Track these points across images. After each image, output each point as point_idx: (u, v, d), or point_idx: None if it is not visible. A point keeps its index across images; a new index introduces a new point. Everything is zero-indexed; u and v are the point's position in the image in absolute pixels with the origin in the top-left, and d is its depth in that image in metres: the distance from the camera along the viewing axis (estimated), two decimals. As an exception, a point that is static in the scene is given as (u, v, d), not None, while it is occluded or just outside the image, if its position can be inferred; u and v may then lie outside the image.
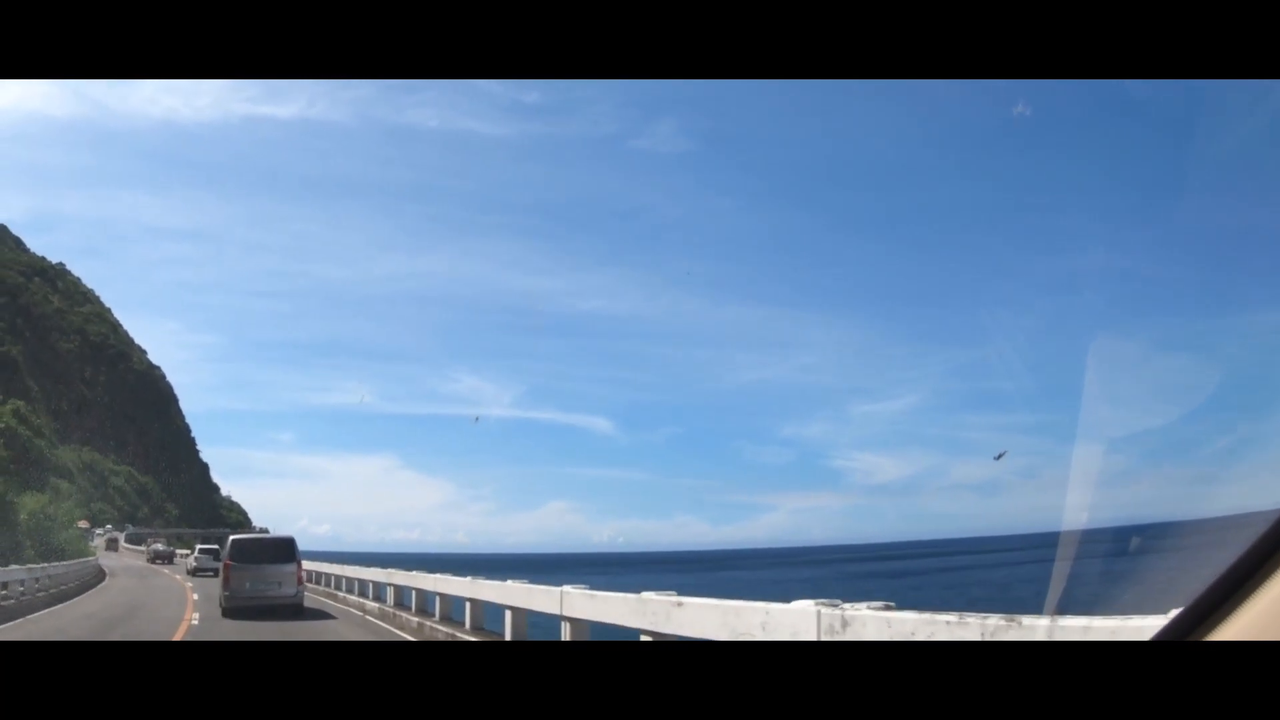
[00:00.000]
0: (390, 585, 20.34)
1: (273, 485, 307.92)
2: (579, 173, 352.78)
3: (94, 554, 42.50)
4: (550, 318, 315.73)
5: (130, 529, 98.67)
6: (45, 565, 26.02)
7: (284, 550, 19.86)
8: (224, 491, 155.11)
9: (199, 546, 43.11)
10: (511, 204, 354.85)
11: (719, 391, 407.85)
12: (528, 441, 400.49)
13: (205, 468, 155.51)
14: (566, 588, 10.19)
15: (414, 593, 18.39)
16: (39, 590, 23.37)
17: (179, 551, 58.40)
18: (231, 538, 20.83)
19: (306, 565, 31.03)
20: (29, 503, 36.20)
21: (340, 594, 25.64)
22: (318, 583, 29.97)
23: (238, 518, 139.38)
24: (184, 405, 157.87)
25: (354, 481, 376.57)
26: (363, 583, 23.99)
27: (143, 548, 67.36)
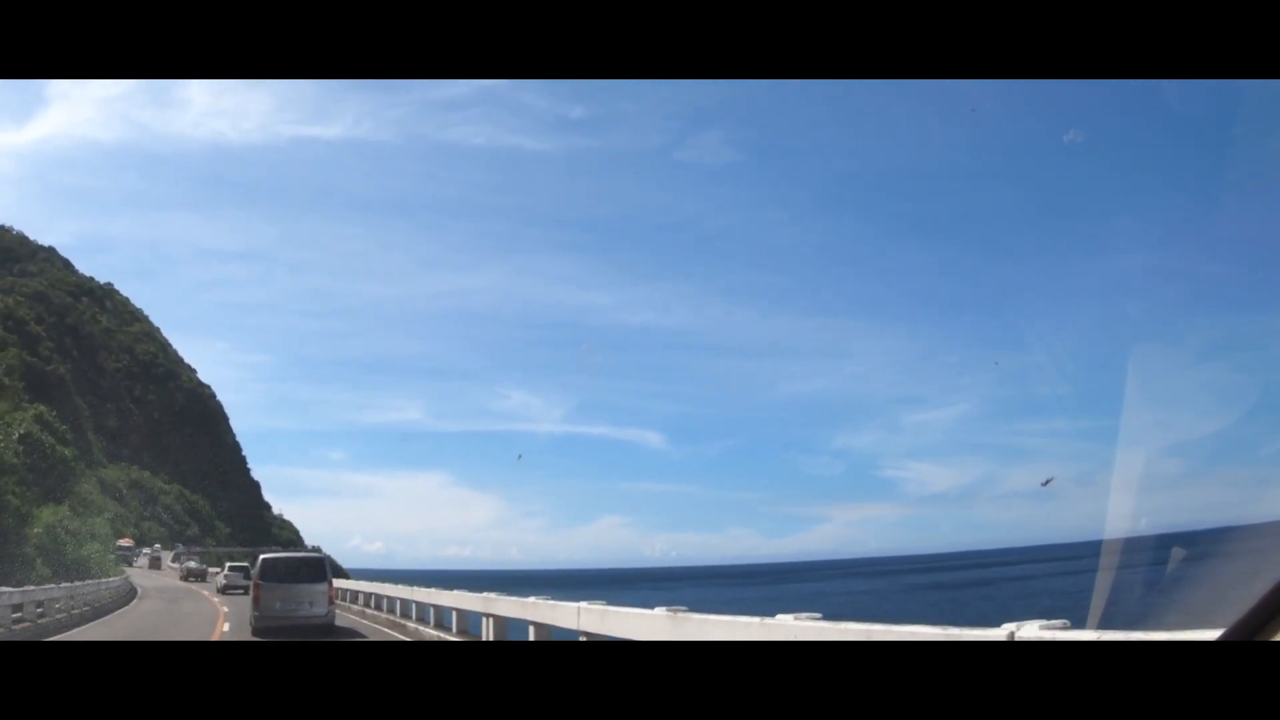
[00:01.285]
0: (489, 616, 14.27)
1: (325, 503, 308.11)
2: (625, 186, 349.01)
3: (119, 573, 37.26)
4: (598, 333, 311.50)
5: (180, 547, 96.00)
6: (31, 589, 20.46)
7: (314, 569, 19.21)
8: (276, 510, 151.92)
9: (228, 564, 43.45)
10: (558, 219, 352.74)
11: (770, 403, 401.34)
12: (578, 456, 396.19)
13: (256, 486, 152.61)
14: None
15: (532, 628, 12.22)
16: (20, 621, 17.77)
17: (210, 569, 57.46)
18: (261, 556, 19.88)
19: (364, 586, 26.45)
20: (45, 515, 31.13)
21: (410, 624, 19.72)
22: (378, 608, 24.24)
23: (290, 536, 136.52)
24: (235, 424, 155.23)
25: (406, 499, 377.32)
26: (441, 609, 18.08)
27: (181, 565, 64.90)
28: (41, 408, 44.67)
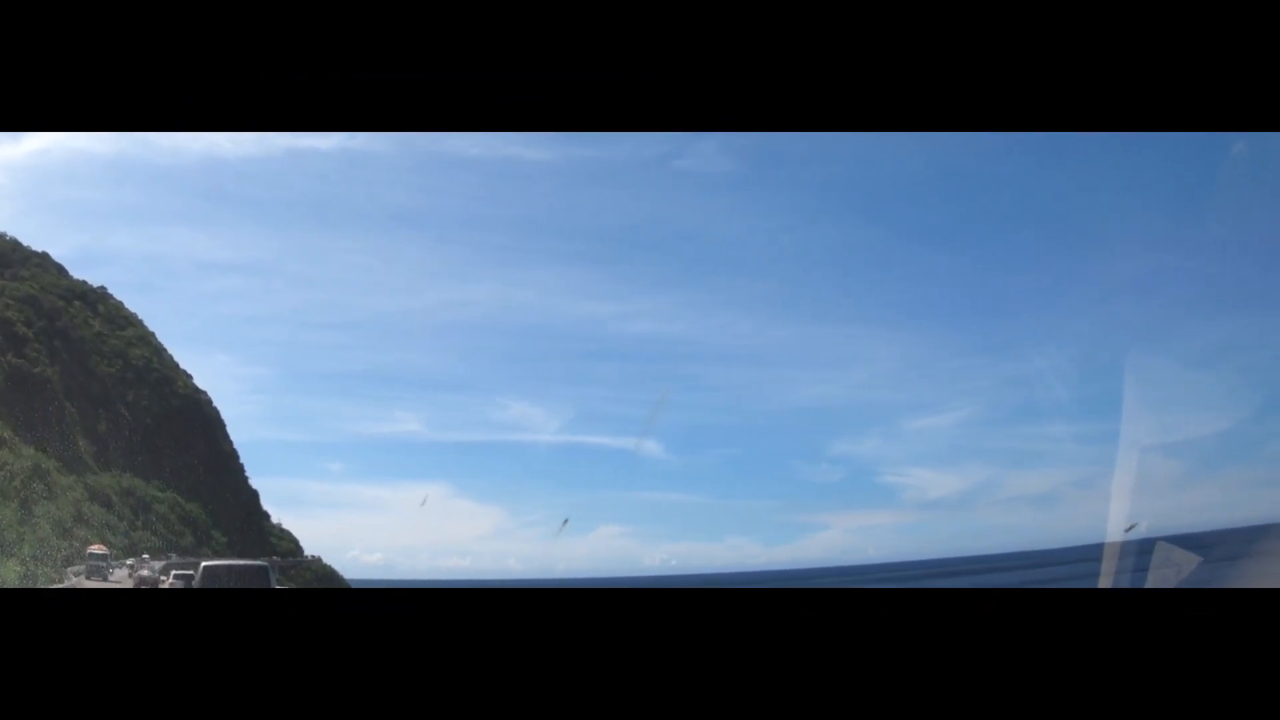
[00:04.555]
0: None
1: (324, 514, 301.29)
2: (625, 196, 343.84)
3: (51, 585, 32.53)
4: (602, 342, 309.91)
5: (173, 557, 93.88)
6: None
7: (258, 578, 19.63)
8: (275, 519, 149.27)
9: (174, 572, 42.31)
10: (559, 229, 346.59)
11: (771, 411, 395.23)
12: (578, 466, 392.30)
13: (255, 495, 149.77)
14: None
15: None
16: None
17: (161, 578, 53.98)
18: (203, 564, 20.67)
19: None
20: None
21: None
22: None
23: (289, 546, 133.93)
24: (235, 435, 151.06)
25: (405, 510, 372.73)
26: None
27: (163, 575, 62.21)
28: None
